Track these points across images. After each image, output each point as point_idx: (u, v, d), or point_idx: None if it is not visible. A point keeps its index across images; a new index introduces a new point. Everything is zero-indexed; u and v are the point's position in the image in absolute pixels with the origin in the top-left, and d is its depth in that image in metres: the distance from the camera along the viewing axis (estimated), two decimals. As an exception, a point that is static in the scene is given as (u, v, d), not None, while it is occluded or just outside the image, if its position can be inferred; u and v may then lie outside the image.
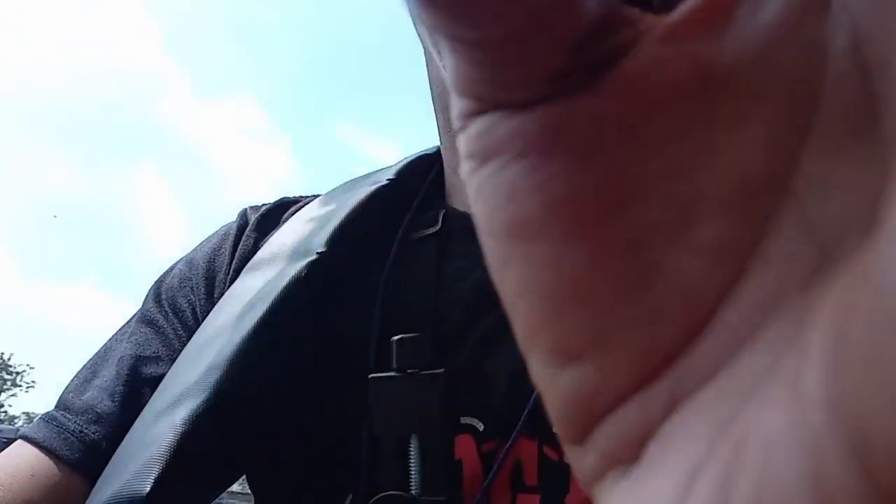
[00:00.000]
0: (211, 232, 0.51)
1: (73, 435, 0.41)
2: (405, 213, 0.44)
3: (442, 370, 0.33)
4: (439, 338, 0.36)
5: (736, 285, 0.10)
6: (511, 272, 0.11)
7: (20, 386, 22.70)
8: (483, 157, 0.11)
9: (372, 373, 0.34)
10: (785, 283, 0.09)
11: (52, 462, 0.40)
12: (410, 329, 0.36)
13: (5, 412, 22.34)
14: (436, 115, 0.44)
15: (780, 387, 0.08)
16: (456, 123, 0.11)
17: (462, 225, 0.43)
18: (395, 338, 0.34)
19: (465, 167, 0.12)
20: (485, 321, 0.38)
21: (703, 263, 0.10)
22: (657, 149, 0.10)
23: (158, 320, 0.46)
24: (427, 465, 0.31)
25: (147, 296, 0.48)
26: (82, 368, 0.46)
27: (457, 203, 0.45)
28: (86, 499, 0.38)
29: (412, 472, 0.31)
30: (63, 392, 0.45)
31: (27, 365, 23.30)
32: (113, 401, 0.42)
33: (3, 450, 0.43)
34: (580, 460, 0.11)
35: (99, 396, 0.42)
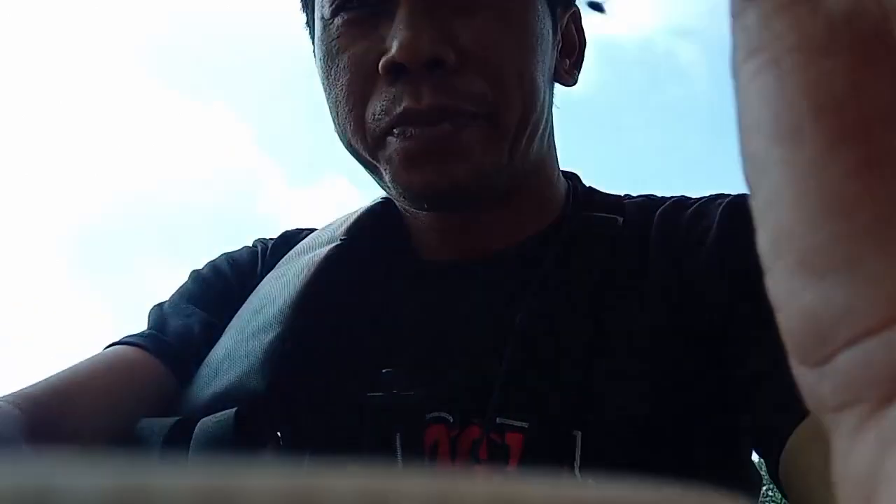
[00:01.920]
0: None
1: (171, 346, 0.50)
2: (373, 259, 0.53)
3: (413, 392, 0.44)
4: (413, 366, 0.46)
5: None
6: (768, 178, 0.10)
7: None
8: (751, 50, 0.11)
9: (367, 392, 0.45)
10: None
11: (153, 361, 0.49)
12: (391, 357, 0.47)
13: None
14: (375, 165, 0.48)
15: None
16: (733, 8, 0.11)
17: (423, 270, 0.52)
18: (384, 371, 0.44)
19: (735, 58, 0.11)
20: (447, 348, 0.48)
21: None
22: None
23: (206, 288, 0.56)
24: (406, 448, 0.42)
25: (184, 284, 0.57)
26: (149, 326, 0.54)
27: (419, 250, 0.53)
28: (175, 399, 0.48)
29: (398, 454, 0.42)
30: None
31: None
32: (193, 333, 0.52)
33: None
34: (814, 385, 0.11)
35: (184, 329, 0.52)
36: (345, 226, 0.54)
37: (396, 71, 0.44)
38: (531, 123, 0.46)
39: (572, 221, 0.51)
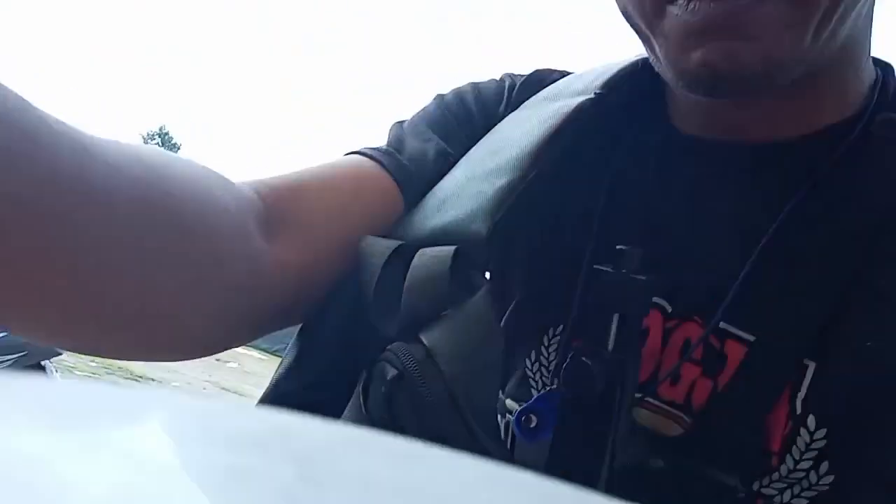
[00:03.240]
0: None
1: (405, 167, 0.49)
2: (625, 122, 0.49)
3: (644, 277, 0.39)
4: (646, 246, 0.41)
5: None
6: None
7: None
8: None
9: (592, 263, 0.42)
10: None
11: (386, 177, 0.49)
12: (625, 231, 0.44)
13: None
14: (649, 36, 0.41)
15: None
16: None
17: (681, 146, 0.47)
18: (619, 247, 0.40)
19: None
20: (688, 234, 0.44)
21: None
22: None
23: (447, 115, 0.54)
24: (621, 333, 0.39)
25: (427, 106, 0.55)
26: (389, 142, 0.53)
27: (678, 122, 0.47)
28: (398, 220, 0.48)
29: (611, 335, 0.39)
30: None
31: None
32: (428, 159, 0.51)
33: None
34: None
35: (419, 153, 0.51)
36: (602, 78, 0.49)
37: None
38: None
39: (872, 121, 0.43)
